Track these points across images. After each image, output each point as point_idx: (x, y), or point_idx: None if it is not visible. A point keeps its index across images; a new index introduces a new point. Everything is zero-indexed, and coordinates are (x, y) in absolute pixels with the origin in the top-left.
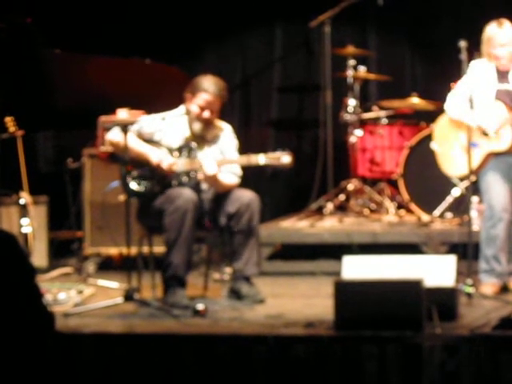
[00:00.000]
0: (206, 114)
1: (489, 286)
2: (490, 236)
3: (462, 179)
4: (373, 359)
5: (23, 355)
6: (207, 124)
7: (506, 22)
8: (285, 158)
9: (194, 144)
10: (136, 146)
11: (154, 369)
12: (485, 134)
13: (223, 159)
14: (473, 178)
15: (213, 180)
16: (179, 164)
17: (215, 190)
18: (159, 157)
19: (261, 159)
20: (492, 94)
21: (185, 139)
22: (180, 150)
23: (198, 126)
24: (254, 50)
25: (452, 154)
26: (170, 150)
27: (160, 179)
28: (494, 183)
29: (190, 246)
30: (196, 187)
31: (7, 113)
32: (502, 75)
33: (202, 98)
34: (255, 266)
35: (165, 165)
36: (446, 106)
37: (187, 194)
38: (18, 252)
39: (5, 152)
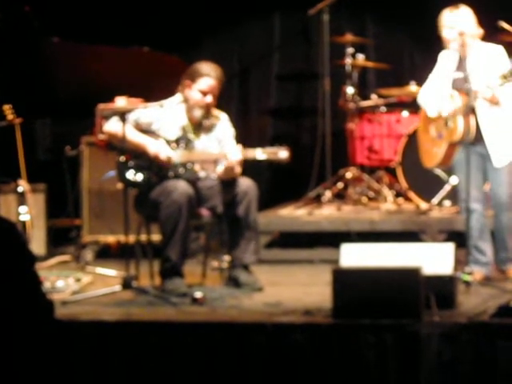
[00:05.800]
0: (209, 98)
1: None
2: (468, 227)
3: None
4: (371, 347)
5: (23, 343)
6: (208, 110)
7: (460, 7)
8: (282, 153)
9: (191, 135)
10: (134, 136)
11: (152, 356)
12: (447, 124)
13: (220, 154)
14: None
15: (236, 167)
16: (177, 155)
17: (226, 177)
18: (157, 148)
19: (258, 154)
20: (449, 83)
21: (182, 128)
22: (177, 141)
23: (199, 113)
24: (253, 39)
25: (425, 146)
26: (168, 142)
27: (157, 170)
28: (465, 175)
29: (186, 238)
30: (192, 178)
31: (5, 101)
32: (461, 63)
33: (205, 82)
34: (253, 254)
35: (163, 156)
36: (418, 97)
37: (182, 187)
38: (17, 239)
39: (3, 140)
